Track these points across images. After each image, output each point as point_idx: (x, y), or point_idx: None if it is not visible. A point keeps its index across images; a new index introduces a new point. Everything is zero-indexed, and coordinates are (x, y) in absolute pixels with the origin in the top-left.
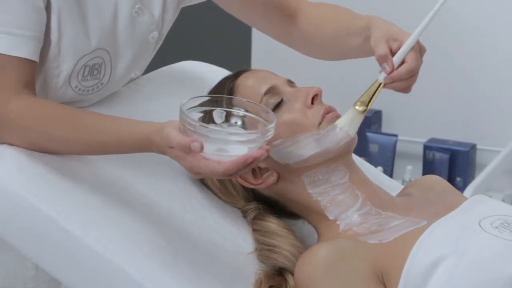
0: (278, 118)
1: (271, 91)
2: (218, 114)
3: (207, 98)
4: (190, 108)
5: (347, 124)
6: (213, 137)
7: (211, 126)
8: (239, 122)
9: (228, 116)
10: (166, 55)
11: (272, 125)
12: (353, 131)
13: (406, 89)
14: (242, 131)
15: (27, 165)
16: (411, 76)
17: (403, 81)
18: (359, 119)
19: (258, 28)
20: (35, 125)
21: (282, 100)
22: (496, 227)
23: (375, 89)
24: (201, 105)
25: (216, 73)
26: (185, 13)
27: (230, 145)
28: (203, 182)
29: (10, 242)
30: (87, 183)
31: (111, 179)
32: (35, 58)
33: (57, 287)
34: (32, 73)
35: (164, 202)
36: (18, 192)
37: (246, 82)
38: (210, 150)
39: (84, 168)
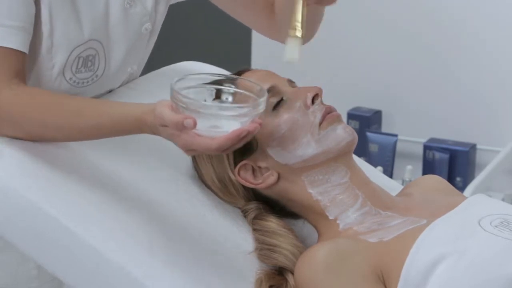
0: (278, 118)
1: (271, 90)
2: (208, 91)
3: (197, 81)
4: (181, 87)
5: (290, 53)
6: (204, 113)
7: (202, 102)
8: (230, 99)
9: (219, 94)
10: (166, 55)
11: (263, 98)
12: (298, 57)
13: None
14: (233, 105)
15: (28, 163)
16: None
17: None
18: (300, 44)
19: (242, 20)
20: (28, 113)
21: (282, 99)
22: (496, 226)
23: (301, 6)
24: (192, 86)
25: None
26: (185, 13)
27: (222, 120)
28: (204, 181)
29: (10, 241)
30: (88, 182)
31: (111, 178)
32: (25, 49)
33: (60, 287)
34: (22, 64)
35: (165, 201)
36: (18, 190)
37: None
38: (203, 127)
39: (84, 166)
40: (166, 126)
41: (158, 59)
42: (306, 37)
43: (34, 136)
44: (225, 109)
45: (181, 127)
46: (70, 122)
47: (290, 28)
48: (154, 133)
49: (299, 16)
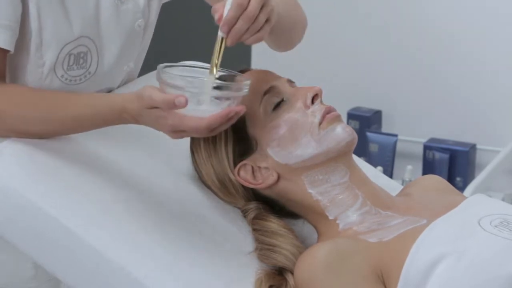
0: (278, 118)
1: (271, 91)
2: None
3: (182, 71)
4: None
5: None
6: (192, 91)
7: (188, 78)
8: (214, 85)
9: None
10: (166, 55)
11: (247, 82)
12: (208, 98)
13: (258, 35)
14: (219, 82)
15: (28, 163)
16: (244, 11)
17: (243, 23)
18: (211, 82)
19: None
20: (9, 110)
21: (282, 100)
22: (496, 226)
23: (218, 46)
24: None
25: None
26: (185, 13)
27: (206, 104)
28: (204, 181)
29: (10, 241)
30: (88, 182)
31: (112, 178)
32: (9, 47)
33: (57, 287)
34: (3, 62)
35: (164, 202)
36: (18, 190)
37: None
38: (188, 108)
39: (85, 166)
40: (155, 107)
41: (158, 59)
42: (285, 47)
43: (17, 132)
44: (211, 89)
45: (172, 106)
46: (51, 115)
47: (210, 65)
48: (136, 120)
49: (215, 56)
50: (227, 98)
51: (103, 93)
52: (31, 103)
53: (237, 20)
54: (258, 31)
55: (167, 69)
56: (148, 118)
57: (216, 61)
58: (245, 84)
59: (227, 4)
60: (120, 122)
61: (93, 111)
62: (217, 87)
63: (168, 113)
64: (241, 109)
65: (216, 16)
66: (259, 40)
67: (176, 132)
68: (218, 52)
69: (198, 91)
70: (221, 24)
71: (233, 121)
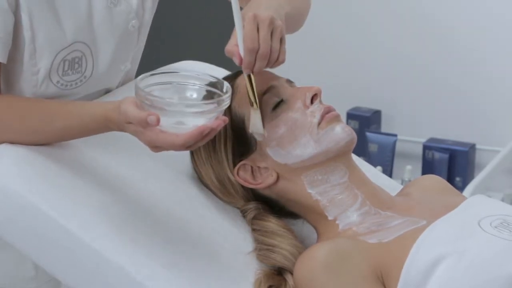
0: (277, 118)
1: (270, 91)
2: (174, 88)
3: (163, 78)
4: (147, 85)
5: (254, 127)
6: (169, 110)
7: (167, 99)
8: (195, 95)
9: (184, 91)
10: (166, 55)
11: (228, 95)
12: (262, 129)
13: (277, 60)
14: (198, 102)
15: (27, 164)
16: (257, 52)
17: (261, 62)
18: (258, 115)
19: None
20: (1, 120)
21: (281, 100)
22: (496, 227)
23: (249, 83)
24: (158, 83)
25: (215, 73)
26: (185, 12)
27: (187, 117)
28: (203, 182)
29: (10, 241)
30: (88, 183)
31: (111, 179)
32: (2, 59)
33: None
34: None
35: (163, 202)
36: (18, 191)
37: (245, 82)
38: (167, 123)
39: (85, 167)
40: (130, 123)
41: (157, 59)
42: (292, 31)
43: (6, 141)
44: (189, 106)
45: (145, 124)
46: (42, 126)
47: (250, 101)
48: (121, 130)
49: (250, 92)
50: (209, 112)
51: (89, 101)
52: (22, 113)
53: (255, 61)
54: (278, 56)
55: (147, 79)
56: (128, 130)
57: (254, 98)
58: (226, 97)
59: (240, 45)
60: (108, 130)
61: (79, 122)
62: (196, 102)
63: (144, 128)
64: (218, 125)
65: (236, 61)
66: (282, 62)
67: (153, 147)
68: (251, 89)
69: (176, 109)
70: (242, 68)
71: (210, 136)
